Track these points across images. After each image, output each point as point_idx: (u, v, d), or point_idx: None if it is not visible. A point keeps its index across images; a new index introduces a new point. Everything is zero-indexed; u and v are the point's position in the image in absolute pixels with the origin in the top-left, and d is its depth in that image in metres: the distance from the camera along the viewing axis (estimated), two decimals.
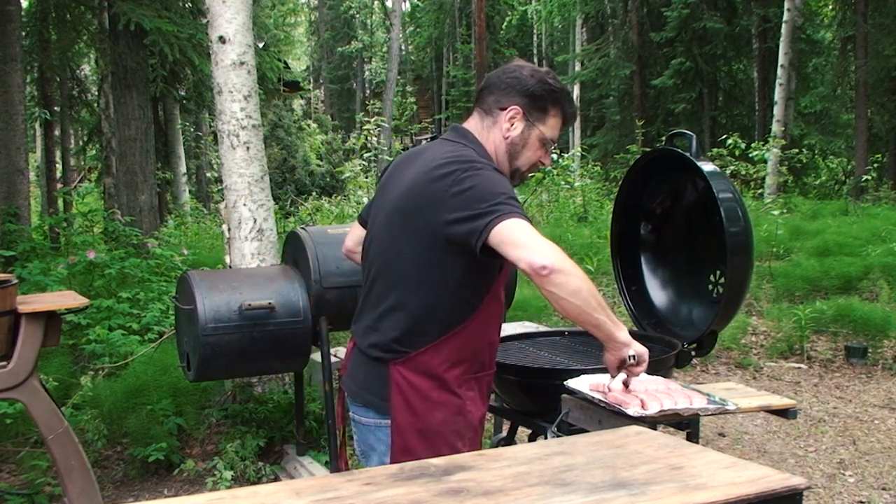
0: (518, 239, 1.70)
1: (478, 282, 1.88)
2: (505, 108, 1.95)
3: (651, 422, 1.90)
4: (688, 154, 2.53)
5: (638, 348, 1.90)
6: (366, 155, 10.67)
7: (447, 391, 1.89)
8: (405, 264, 1.88)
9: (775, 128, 14.52)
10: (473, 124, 2.01)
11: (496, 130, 1.96)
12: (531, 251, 1.68)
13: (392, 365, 1.89)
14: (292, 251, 3.69)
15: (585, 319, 1.78)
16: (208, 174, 17.94)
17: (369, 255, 2.02)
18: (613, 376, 1.96)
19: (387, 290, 1.92)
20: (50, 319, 2.95)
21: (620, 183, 3.01)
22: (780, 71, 14.81)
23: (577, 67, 23.28)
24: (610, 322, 1.83)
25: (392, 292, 1.91)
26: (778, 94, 14.82)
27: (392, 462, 1.89)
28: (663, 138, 3.85)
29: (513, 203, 1.75)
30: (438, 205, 1.80)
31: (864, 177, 13.32)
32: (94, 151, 14.22)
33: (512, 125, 1.95)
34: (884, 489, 3.78)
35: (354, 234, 2.23)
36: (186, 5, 8.84)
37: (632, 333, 2.88)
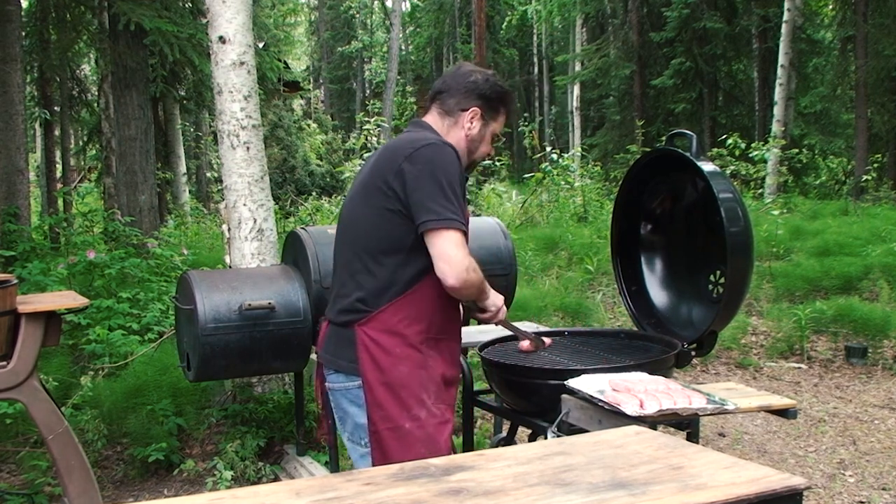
0: (445, 254, 1.98)
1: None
2: (466, 110, 2.20)
3: (650, 422, 1.90)
4: (688, 154, 2.53)
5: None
6: (366, 155, 10.66)
7: (409, 346, 2.08)
8: (370, 233, 2.08)
9: (775, 128, 14.51)
10: (433, 120, 2.24)
11: (457, 129, 2.21)
12: (448, 270, 1.98)
13: (357, 326, 2.08)
14: (292, 251, 3.69)
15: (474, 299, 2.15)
16: (208, 174, 17.91)
17: (338, 238, 2.24)
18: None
19: (354, 259, 2.12)
20: (50, 319, 2.95)
21: (620, 183, 3.01)
22: (780, 71, 14.81)
23: (577, 67, 23.27)
24: (487, 296, 2.17)
25: (356, 260, 2.11)
26: (778, 94, 14.82)
27: (368, 421, 2.09)
28: (663, 138, 3.85)
29: (452, 203, 1.99)
30: (393, 174, 2.03)
31: (864, 177, 13.32)
32: (94, 151, 14.20)
33: (472, 124, 2.21)
34: (884, 489, 3.78)
35: None
36: (186, 5, 8.84)
37: (632, 334, 2.90)
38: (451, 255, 1.97)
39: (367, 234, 2.09)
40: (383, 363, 2.06)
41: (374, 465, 2.08)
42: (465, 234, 2.04)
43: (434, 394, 2.13)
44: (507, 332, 2.76)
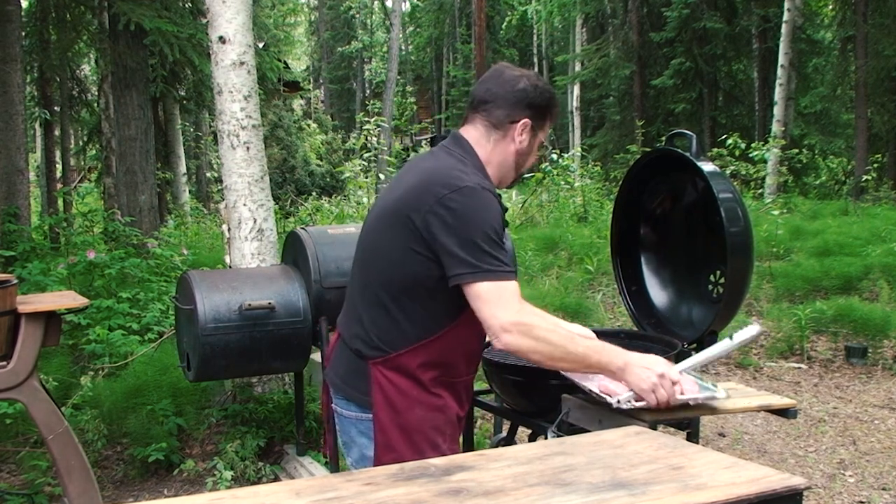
0: (482, 312, 1.79)
1: (457, 294, 1.86)
2: (516, 122, 1.99)
3: (650, 421, 1.89)
4: (688, 154, 2.53)
5: (648, 365, 1.85)
6: (366, 155, 10.67)
7: (425, 390, 1.95)
8: (389, 267, 1.92)
9: (775, 128, 14.52)
10: (475, 135, 2.02)
11: (506, 143, 2.01)
12: (489, 331, 1.80)
13: (372, 363, 1.94)
14: (292, 251, 3.69)
15: (560, 368, 1.92)
16: (208, 174, 17.93)
17: (359, 251, 2.07)
18: (650, 401, 1.85)
19: (372, 288, 1.96)
20: (50, 319, 2.95)
21: (620, 183, 3.01)
22: (780, 71, 14.81)
23: (577, 67, 23.28)
24: (594, 361, 1.85)
25: (377, 292, 1.95)
26: (778, 94, 14.83)
27: (375, 458, 1.96)
28: (663, 138, 3.85)
29: (492, 253, 1.81)
30: (422, 215, 1.85)
31: (864, 177, 13.32)
32: (94, 151, 14.20)
33: (523, 137, 2.01)
34: (884, 489, 3.78)
35: None
36: (186, 5, 8.84)
37: (632, 334, 2.89)
38: (484, 315, 1.79)
39: (386, 268, 1.93)
40: (399, 405, 1.93)
41: None
42: (507, 279, 1.82)
43: (450, 436, 2.00)
44: None
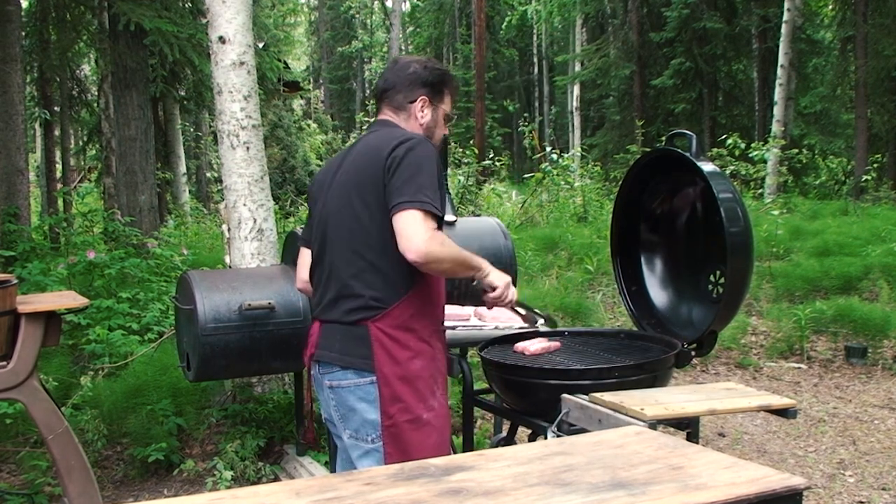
0: (405, 230, 2.00)
1: None
2: (414, 101, 2.26)
3: (648, 421, 1.90)
4: (688, 154, 2.53)
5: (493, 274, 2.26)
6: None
7: (422, 340, 2.14)
8: (368, 230, 2.10)
9: (775, 128, 14.51)
10: (391, 118, 2.28)
11: (412, 121, 2.27)
12: (407, 245, 1.99)
13: (371, 323, 2.09)
14: (292, 251, 3.68)
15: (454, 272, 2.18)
16: (208, 174, 17.90)
17: (325, 242, 2.22)
18: (508, 295, 2.29)
19: (354, 258, 2.12)
20: (50, 319, 2.95)
21: (620, 183, 3.02)
22: (780, 71, 14.81)
23: (577, 67, 23.27)
24: (477, 269, 2.19)
25: (361, 258, 2.11)
26: (778, 94, 14.82)
27: (381, 413, 2.10)
28: (663, 138, 3.85)
29: (424, 192, 2.02)
30: (381, 171, 2.08)
31: (864, 177, 13.31)
32: (94, 151, 14.19)
33: (423, 112, 2.27)
34: (884, 489, 3.78)
35: (306, 263, 2.39)
36: (186, 5, 8.83)
37: (632, 334, 2.90)
38: (408, 232, 1.98)
39: (367, 231, 2.10)
40: (400, 357, 2.09)
41: (386, 459, 2.09)
42: (437, 217, 2.04)
43: (441, 385, 2.19)
44: (506, 333, 2.76)
